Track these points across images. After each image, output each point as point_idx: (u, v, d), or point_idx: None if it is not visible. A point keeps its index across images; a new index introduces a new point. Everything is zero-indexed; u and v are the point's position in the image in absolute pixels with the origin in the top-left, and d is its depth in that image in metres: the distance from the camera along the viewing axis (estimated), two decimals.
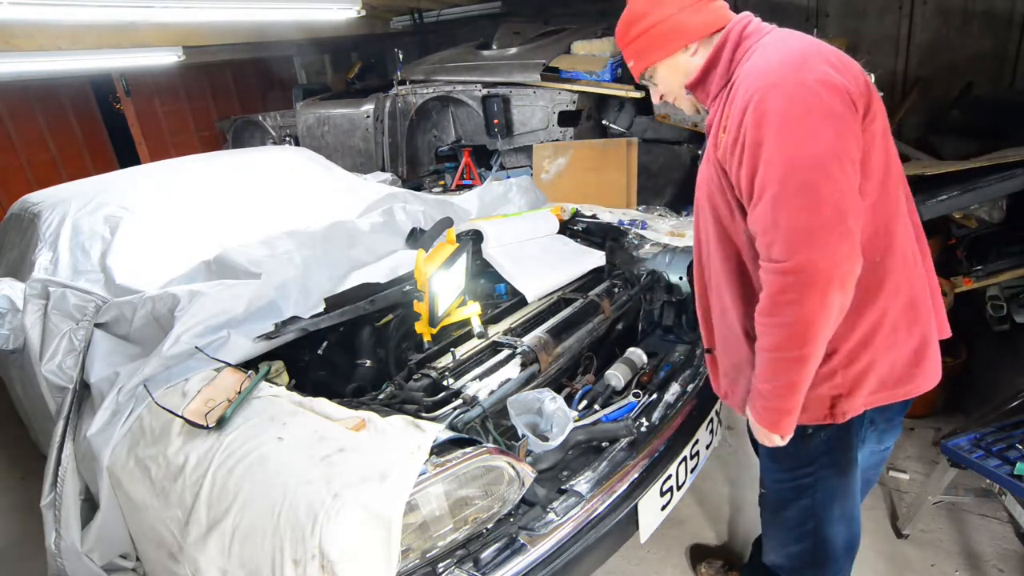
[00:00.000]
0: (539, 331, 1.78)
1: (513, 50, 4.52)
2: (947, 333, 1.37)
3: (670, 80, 1.32)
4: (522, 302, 2.07)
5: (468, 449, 1.25)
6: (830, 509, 1.39)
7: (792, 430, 1.22)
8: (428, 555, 1.26)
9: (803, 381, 1.15)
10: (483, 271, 2.28)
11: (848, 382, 1.21)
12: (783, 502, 1.45)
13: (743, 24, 1.23)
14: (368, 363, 1.82)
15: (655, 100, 1.41)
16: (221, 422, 1.31)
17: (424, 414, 1.47)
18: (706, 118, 1.30)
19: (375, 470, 1.13)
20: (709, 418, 1.82)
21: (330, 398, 1.40)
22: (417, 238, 2.33)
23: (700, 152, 1.44)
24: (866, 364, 1.20)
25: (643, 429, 1.67)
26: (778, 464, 1.41)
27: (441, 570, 1.27)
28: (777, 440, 1.24)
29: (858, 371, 1.20)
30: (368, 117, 4.72)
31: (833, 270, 1.04)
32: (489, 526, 1.35)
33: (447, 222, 2.36)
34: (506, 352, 1.72)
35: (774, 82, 1.08)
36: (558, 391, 1.75)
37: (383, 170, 4.52)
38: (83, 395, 1.66)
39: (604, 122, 4.52)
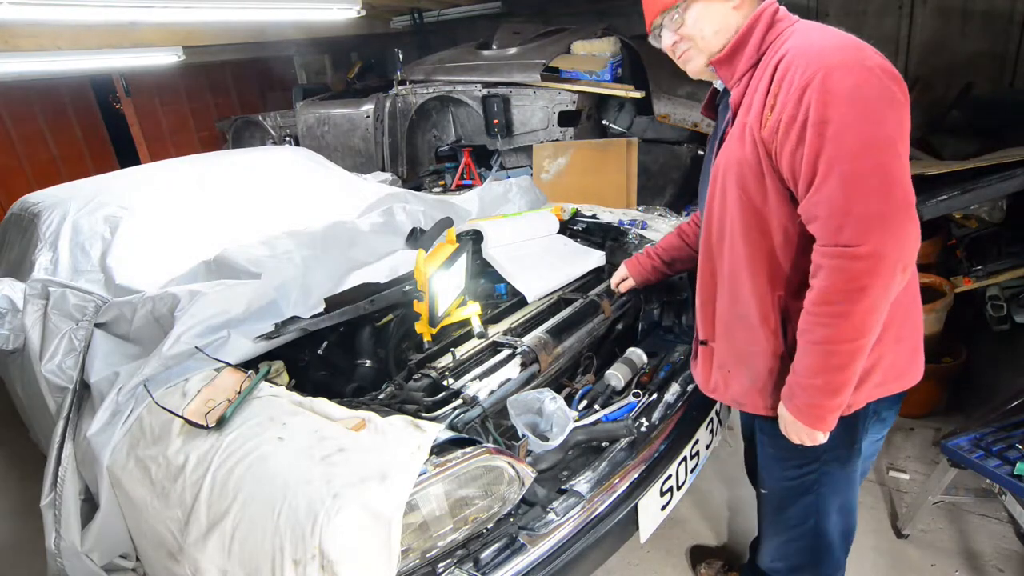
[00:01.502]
0: (539, 331, 1.77)
1: (513, 50, 4.52)
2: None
3: (702, 23, 1.22)
4: (522, 302, 2.07)
5: (468, 449, 1.25)
6: (832, 503, 1.39)
7: (833, 426, 1.20)
8: (428, 555, 1.26)
9: (856, 374, 1.13)
10: (483, 271, 2.28)
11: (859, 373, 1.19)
12: (786, 500, 1.44)
13: (775, 7, 1.20)
14: (368, 363, 1.82)
15: (666, 44, 1.29)
16: (221, 422, 1.31)
17: (424, 414, 1.46)
18: (728, 99, 1.25)
19: (375, 470, 1.13)
20: (709, 418, 1.82)
21: (330, 398, 1.40)
22: (417, 238, 2.33)
23: (708, 147, 1.41)
24: (876, 357, 1.19)
25: (643, 429, 1.67)
26: (785, 463, 1.39)
27: (441, 570, 1.27)
28: (819, 437, 1.21)
29: (868, 365, 1.19)
30: (368, 117, 4.72)
31: (902, 254, 1.04)
32: (489, 526, 1.35)
33: (447, 222, 2.36)
34: (506, 352, 1.72)
35: (839, 62, 1.05)
36: (558, 391, 1.75)
37: (383, 170, 4.53)
38: (83, 395, 1.66)
39: (604, 122, 4.52)
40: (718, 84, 1.37)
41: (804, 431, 1.21)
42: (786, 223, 1.17)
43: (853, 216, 1.03)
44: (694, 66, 1.28)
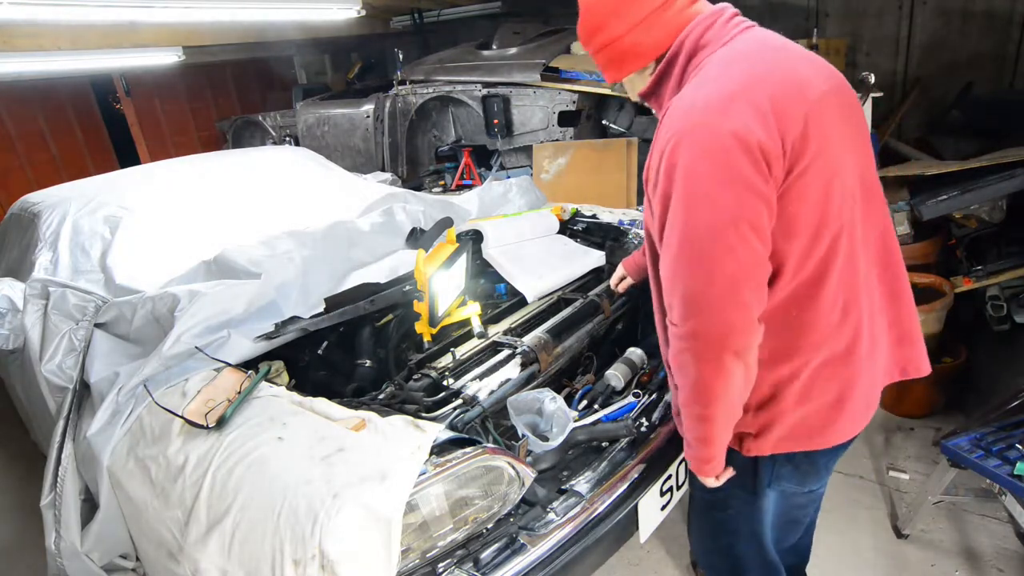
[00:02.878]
0: (539, 331, 1.77)
1: (513, 50, 4.52)
2: (925, 371, 1.29)
3: (635, 87, 1.24)
4: (522, 302, 2.07)
5: (468, 449, 1.25)
6: (741, 527, 1.38)
7: (716, 473, 1.21)
8: (428, 555, 1.26)
9: (715, 436, 1.12)
10: (483, 271, 2.28)
11: (756, 425, 1.18)
12: (703, 509, 1.46)
13: (703, 28, 1.10)
14: (368, 363, 1.82)
15: (632, 98, 1.30)
16: (221, 422, 1.31)
17: (424, 414, 1.46)
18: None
19: (375, 470, 1.13)
20: None
21: (330, 398, 1.40)
22: (417, 238, 2.33)
23: None
24: (773, 415, 1.16)
25: (643, 429, 1.67)
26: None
27: (441, 570, 1.27)
28: (710, 482, 1.23)
29: (765, 420, 1.17)
30: (368, 117, 4.72)
31: (725, 339, 1.00)
32: (489, 526, 1.35)
33: (447, 222, 2.36)
34: (506, 352, 1.72)
35: (691, 127, 1.00)
36: (558, 391, 1.75)
37: (383, 170, 4.53)
38: (83, 395, 1.66)
39: (604, 122, 4.52)
40: None
41: (698, 475, 1.23)
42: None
43: (676, 297, 1.03)
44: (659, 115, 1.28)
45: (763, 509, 1.34)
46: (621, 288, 1.95)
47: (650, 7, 1.11)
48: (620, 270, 1.94)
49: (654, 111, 1.25)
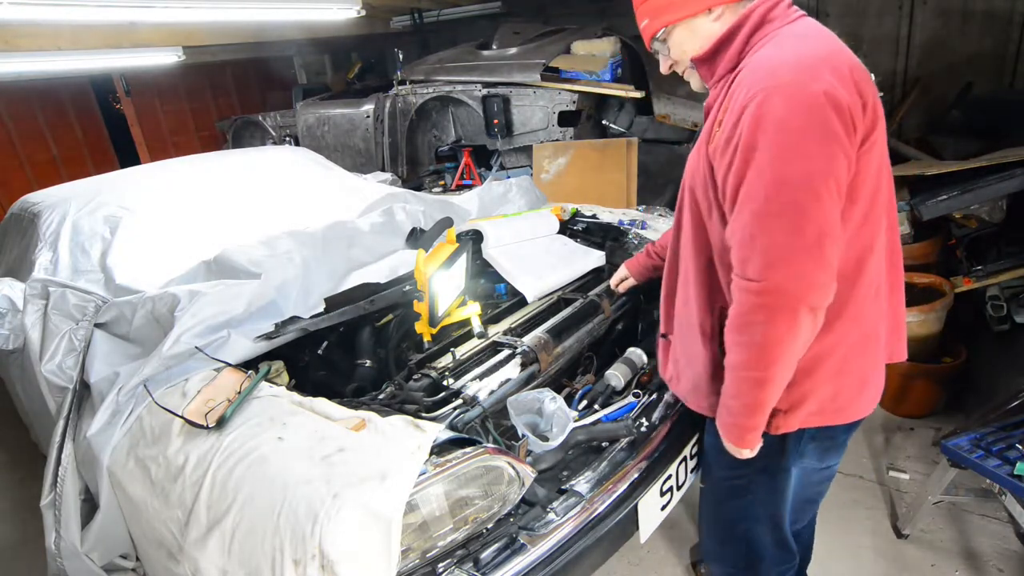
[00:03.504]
0: (539, 331, 1.77)
1: (513, 50, 4.52)
2: (903, 357, 1.36)
3: (686, 45, 1.20)
4: (522, 302, 2.07)
5: (468, 449, 1.25)
6: (761, 512, 1.40)
7: (757, 444, 1.21)
8: (428, 555, 1.26)
9: (767, 401, 1.13)
10: (483, 271, 2.28)
11: (788, 401, 1.18)
12: (720, 500, 1.47)
13: (769, 5, 1.12)
14: (368, 363, 1.82)
15: (663, 69, 1.29)
16: (221, 422, 1.31)
17: (424, 414, 1.46)
18: (705, 102, 1.23)
19: (375, 470, 1.13)
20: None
21: (330, 398, 1.40)
22: (417, 238, 2.33)
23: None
24: (807, 389, 1.18)
25: (643, 429, 1.67)
26: (719, 464, 1.41)
27: (441, 570, 1.27)
28: (744, 453, 1.22)
29: (798, 394, 1.18)
30: (368, 117, 4.72)
31: (806, 295, 1.01)
32: (489, 526, 1.35)
33: (447, 222, 2.36)
34: (506, 352, 1.72)
35: (779, 84, 1.01)
36: (558, 391, 1.75)
37: (383, 170, 4.53)
38: (83, 395, 1.66)
39: (604, 122, 4.52)
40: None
41: (731, 447, 1.23)
42: (723, 239, 1.15)
43: (757, 250, 1.02)
44: (694, 82, 1.28)
45: (785, 489, 1.36)
46: (622, 288, 1.95)
47: None
48: (622, 271, 1.93)
49: (694, 81, 1.26)
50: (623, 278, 1.93)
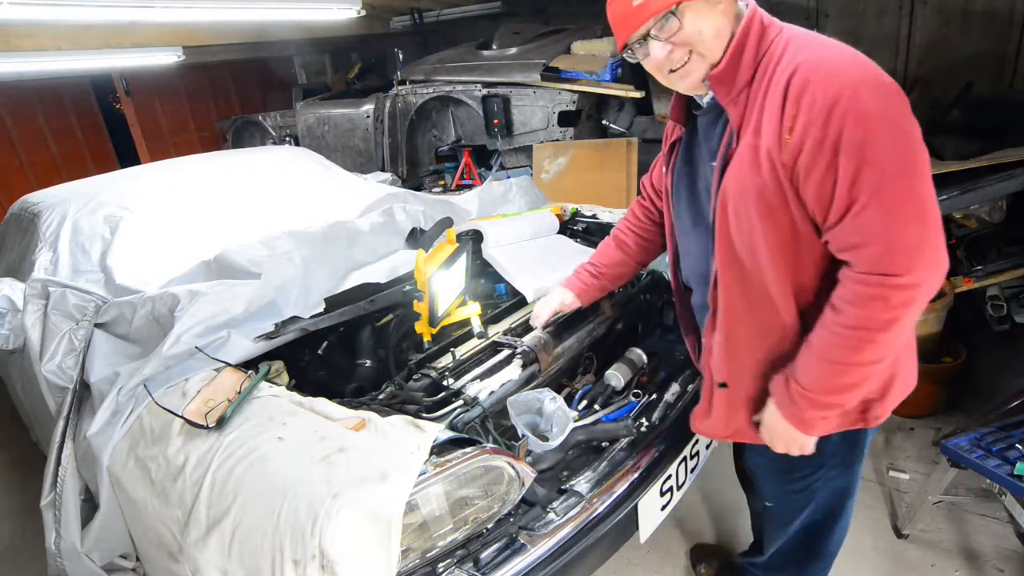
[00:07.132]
0: (539, 331, 1.77)
1: (513, 50, 4.52)
2: None
3: (701, 25, 1.08)
4: (522, 302, 2.07)
5: (468, 449, 1.25)
6: (834, 508, 1.42)
7: (829, 431, 1.23)
8: (428, 555, 1.26)
9: (863, 391, 1.15)
10: (483, 271, 2.28)
11: (880, 387, 1.20)
12: (792, 512, 1.47)
13: (760, 12, 1.12)
14: (368, 363, 1.82)
15: (657, 56, 1.13)
16: (221, 422, 1.31)
17: (424, 414, 1.46)
18: (711, 116, 1.18)
19: (375, 470, 1.13)
20: None
21: (330, 398, 1.40)
22: (417, 238, 2.33)
23: (676, 159, 1.35)
24: (897, 368, 1.22)
25: (643, 429, 1.67)
26: (787, 475, 1.41)
27: (441, 570, 1.27)
28: (808, 445, 1.20)
29: (889, 376, 1.20)
30: (368, 117, 4.73)
31: (939, 280, 1.01)
32: (489, 526, 1.35)
33: (447, 222, 2.36)
34: (506, 352, 1.72)
35: (860, 79, 0.99)
36: (558, 391, 1.75)
37: (383, 170, 4.53)
38: (83, 395, 1.66)
39: (604, 122, 4.52)
40: (703, 100, 1.23)
41: (795, 439, 1.21)
42: (816, 250, 1.11)
43: (895, 244, 0.99)
44: (694, 79, 1.14)
45: (860, 475, 1.41)
46: (564, 310, 1.73)
47: None
48: (562, 295, 1.70)
49: (687, 82, 1.15)
50: (562, 303, 1.71)
